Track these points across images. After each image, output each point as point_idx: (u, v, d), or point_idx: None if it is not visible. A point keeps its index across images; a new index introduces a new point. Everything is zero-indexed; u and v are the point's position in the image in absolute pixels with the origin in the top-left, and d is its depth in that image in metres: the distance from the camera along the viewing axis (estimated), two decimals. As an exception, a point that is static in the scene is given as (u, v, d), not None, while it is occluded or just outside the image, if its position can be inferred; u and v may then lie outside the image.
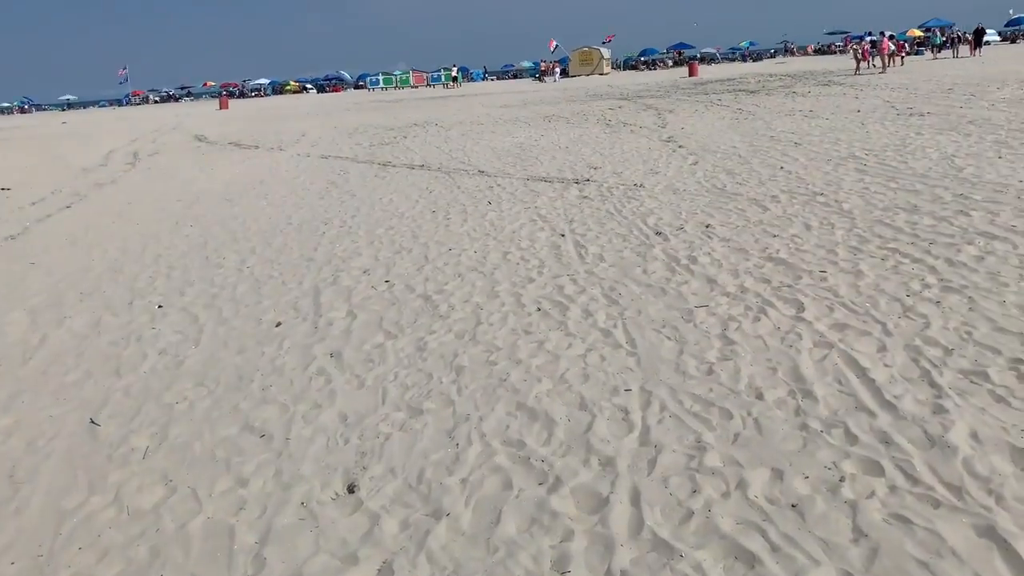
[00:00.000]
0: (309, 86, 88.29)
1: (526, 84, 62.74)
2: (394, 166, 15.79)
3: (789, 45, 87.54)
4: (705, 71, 55.84)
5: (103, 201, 14.30)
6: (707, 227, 8.27)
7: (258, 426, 4.54)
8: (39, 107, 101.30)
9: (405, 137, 21.73)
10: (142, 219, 11.98)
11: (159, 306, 7.17)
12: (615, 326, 5.63)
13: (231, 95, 79.62)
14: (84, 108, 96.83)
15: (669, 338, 5.31)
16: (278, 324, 6.37)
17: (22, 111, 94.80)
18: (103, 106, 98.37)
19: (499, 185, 12.22)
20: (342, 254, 8.61)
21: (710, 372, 4.72)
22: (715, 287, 6.29)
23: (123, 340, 6.29)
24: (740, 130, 16.64)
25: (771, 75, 40.29)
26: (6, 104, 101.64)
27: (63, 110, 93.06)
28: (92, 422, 4.73)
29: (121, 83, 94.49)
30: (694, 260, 7.08)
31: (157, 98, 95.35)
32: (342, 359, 5.51)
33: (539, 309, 6.15)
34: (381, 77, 75.62)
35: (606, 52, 74.12)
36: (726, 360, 4.86)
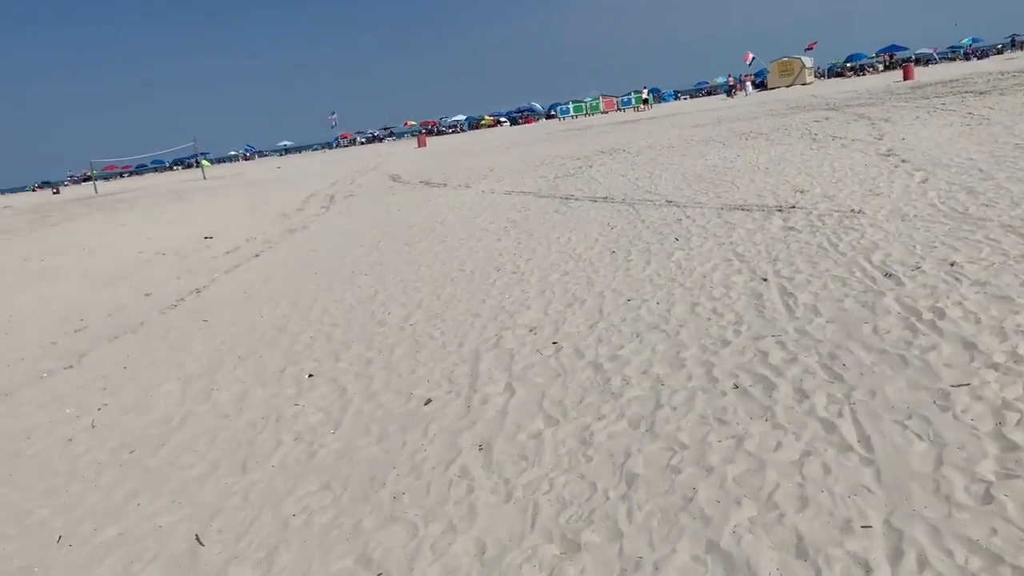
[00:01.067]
0: (503, 119, 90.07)
1: (718, 101, 60.31)
2: (576, 199, 14.87)
3: (1019, 39, 78.75)
4: (922, 73, 51.09)
5: (290, 249, 14.41)
6: (952, 265, 6.62)
7: (377, 558, 3.65)
8: (260, 153, 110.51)
9: (590, 166, 20.81)
10: (321, 268, 11.78)
11: (309, 375, 6.58)
12: (840, 414, 4.28)
13: (429, 133, 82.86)
14: (299, 152, 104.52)
15: (920, 436, 3.90)
16: (427, 402, 5.53)
17: (245, 158, 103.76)
18: (315, 150, 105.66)
19: (688, 217, 10.94)
20: (510, 307, 7.72)
21: (988, 498, 3.30)
22: (976, 354, 4.76)
23: (262, 420, 5.69)
24: (975, 138, 14.28)
25: (1002, 73, 35.85)
26: (233, 152, 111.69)
27: (280, 155, 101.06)
28: (197, 540, 4.05)
29: (332, 127, 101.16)
30: (941, 313, 5.53)
31: (363, 139, 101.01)
32: (491, 454, 4.54)
33: (736, 386, 4.90)
34: (571, 105, 75.54)
35: (808, 60, 69.84)
36: (1011, 478, 3.42)
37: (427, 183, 24.14)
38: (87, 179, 79.67)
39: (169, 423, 5.92)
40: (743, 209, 10.83)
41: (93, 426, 6.03)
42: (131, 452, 5.42)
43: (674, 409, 4.72)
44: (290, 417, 5.67)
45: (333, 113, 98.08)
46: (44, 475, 5.20)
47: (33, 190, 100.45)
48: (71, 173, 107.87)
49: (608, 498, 3.84)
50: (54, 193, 76.42)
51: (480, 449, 4.64)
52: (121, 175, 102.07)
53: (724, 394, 4.81)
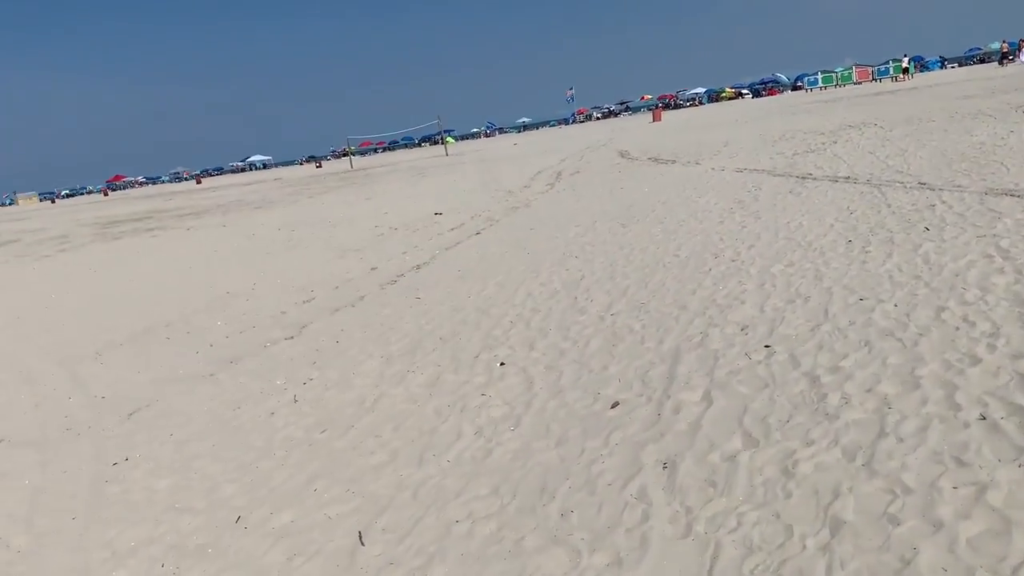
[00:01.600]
0: (745, 91, 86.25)
1: (991, 69, 53.66)
2: (814, 179, 13.62)
3: None
4: None
5: (510, 227, 14.45)
6: None
7: (530, 587, 3.32)
8: (500, 130, 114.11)
9: (835, 142, 19.12)
10: (535, 247, 11.64)
11: (501, 363, 6.38)
12: None
13: (666, 107, 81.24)
14: (536, 129, 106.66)
15: None
16: (614, 405, 5.11)
17: (487, 135, 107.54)
18: (552, 126, 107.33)
19: (943, 202, 9.56)
20: (722, 300, 7.07)
21: None
22: None
23: (448, 408, 5.56)
24: None
25: None
26: (475, 129, 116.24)
27: (518, 132, 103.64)
28: (360, 539, 3.94)
29: (568, 102, 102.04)
30: None
31: (599, 115, 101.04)
32: (675, 474, 4.05)
33: (983, 417, 4.03)
34: (820, 75, 70.62)
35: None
36: None
37: (655, 160, 23.45)
38: (345, 154, 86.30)
39: (363, 403, 5.96)
40: (1013, 195, 9.28)
41: (295, 401, 6.22)
42: (322, 432, 5.50)
43: (900, 441, 3.95)
44: (475, 408, 5.48)
45: (570, 89, 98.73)
46: (241, 449, 5.40)
47: (301, 164, 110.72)
48: (333, 148, 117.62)
49: (805, 547, 3.24)
50: (317, 167, 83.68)
51: (664, 467, 4.16)
52: (375, 151, 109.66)
53: (967, 426, 3.97)
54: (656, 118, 58.03)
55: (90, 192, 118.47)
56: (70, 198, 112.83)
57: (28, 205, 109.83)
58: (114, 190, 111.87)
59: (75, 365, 8.33)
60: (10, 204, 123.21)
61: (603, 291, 8.19)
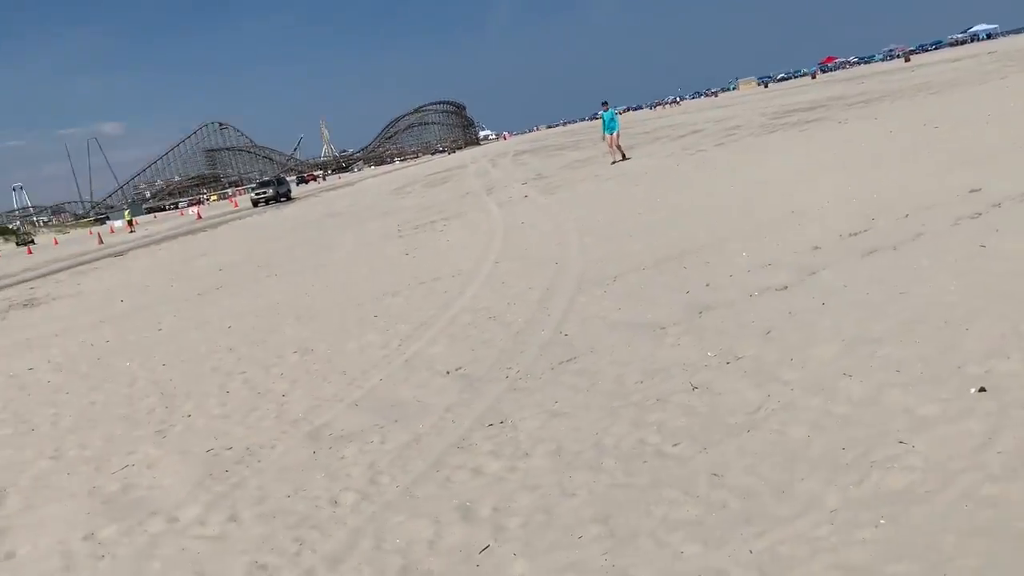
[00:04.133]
0: None
1: None
2: None
3: None
4: None
5: None
6: None
7: None
8: None
9: None
10: None
11: (981, 389, 4.15)
12: None
13: None
14: None
15: None
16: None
17: None
18: None
19: None
20: None
21: None
22: None
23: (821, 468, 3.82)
24: None
25: None
26: None
27: None
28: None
29: None
30: None
31: None
32: None
33: None
34: None
35: None
36: None
37: None
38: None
39: (756, 411, 4.54)
40: None
41: (693, 389, 5.08)
42: (693, 505, 4.34)
43: None
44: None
45: None
46: (553, 490, 4.60)
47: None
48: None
49: None
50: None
51: None
52: None
53: None
54: None
55: (803, 75, 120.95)
56: (783, 82, 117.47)
57: (747, 89, 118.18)
58: (824, 72, 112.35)
59: (552, 297, 8.39)
60: (732, 88, 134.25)
61: None
